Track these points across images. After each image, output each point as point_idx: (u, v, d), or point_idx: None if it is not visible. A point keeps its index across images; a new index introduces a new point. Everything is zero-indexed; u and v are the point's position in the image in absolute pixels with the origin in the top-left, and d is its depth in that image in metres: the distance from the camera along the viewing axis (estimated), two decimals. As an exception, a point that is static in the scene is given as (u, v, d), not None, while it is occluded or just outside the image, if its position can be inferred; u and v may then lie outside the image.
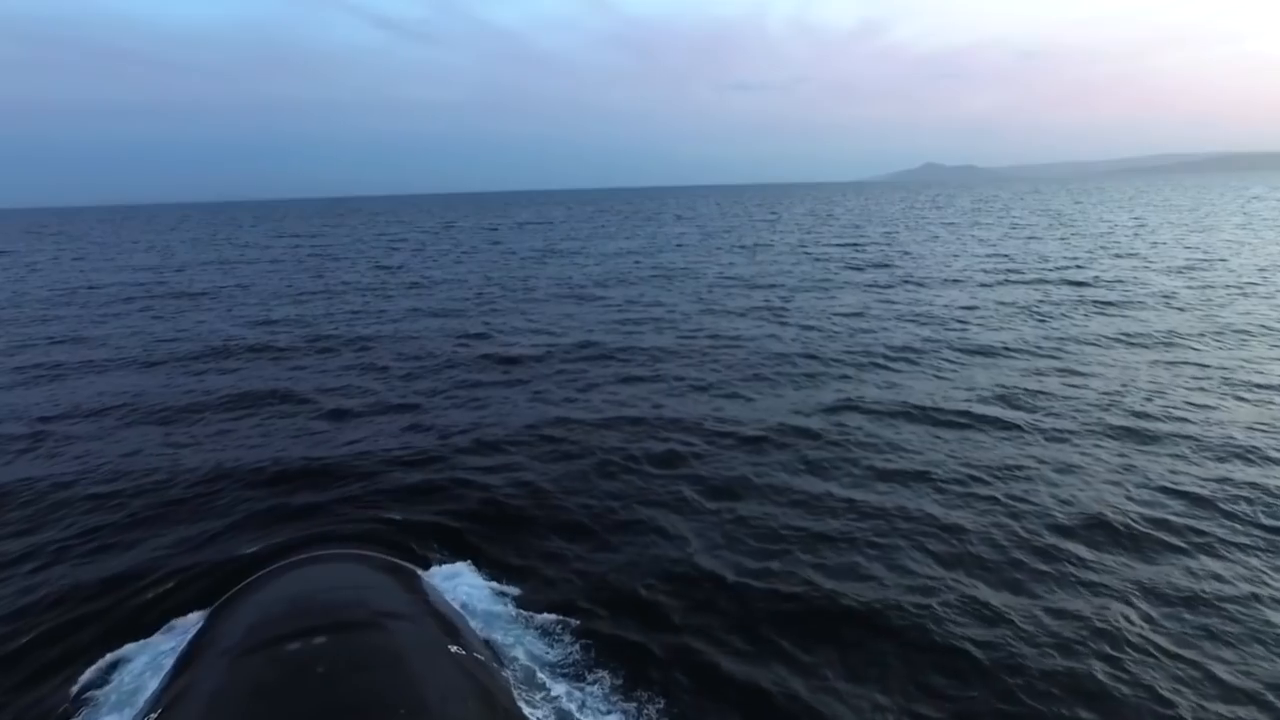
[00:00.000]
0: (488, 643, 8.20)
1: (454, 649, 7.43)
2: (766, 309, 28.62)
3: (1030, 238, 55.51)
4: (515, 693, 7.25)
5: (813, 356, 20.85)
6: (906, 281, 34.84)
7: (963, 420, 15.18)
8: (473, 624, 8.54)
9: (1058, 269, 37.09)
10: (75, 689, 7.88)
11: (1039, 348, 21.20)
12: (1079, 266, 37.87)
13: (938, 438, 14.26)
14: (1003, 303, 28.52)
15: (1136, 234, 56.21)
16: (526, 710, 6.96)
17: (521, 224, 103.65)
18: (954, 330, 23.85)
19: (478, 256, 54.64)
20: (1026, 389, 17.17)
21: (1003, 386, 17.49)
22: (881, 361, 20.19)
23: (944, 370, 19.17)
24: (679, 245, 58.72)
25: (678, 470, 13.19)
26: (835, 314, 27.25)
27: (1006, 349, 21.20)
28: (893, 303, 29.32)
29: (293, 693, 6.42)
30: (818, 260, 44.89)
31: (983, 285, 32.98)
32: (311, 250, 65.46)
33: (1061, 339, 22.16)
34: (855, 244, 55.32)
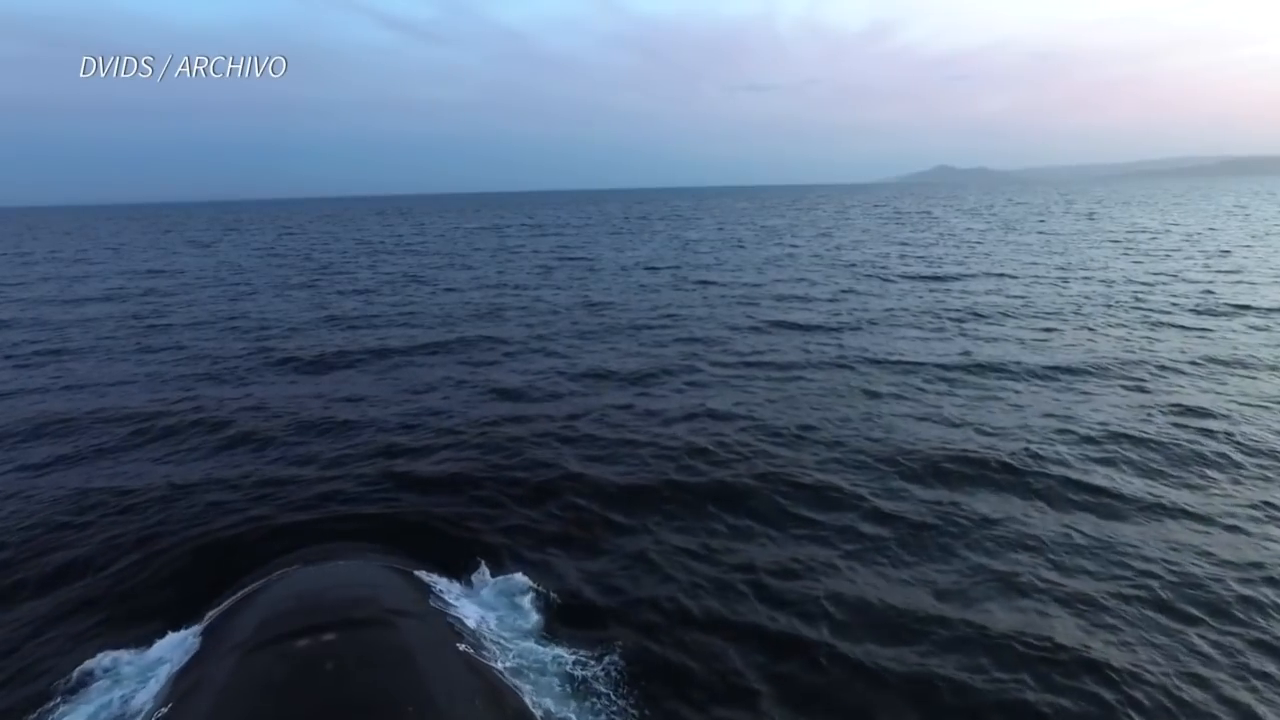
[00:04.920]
0: (495, 642, 8.14)
1: (462, 648, 7.44)
2: (829, 353, 23.36)
3: (1099, 244, 50.32)
4: (521, 692, 7.11)
5: (920, 435, 15.60)
6: (992, 314, 28.99)
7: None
8: (480, 624, 8.50)
9: (1157, 286, 31.97)
10: (79, 684, 7.62)
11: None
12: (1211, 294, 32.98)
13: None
14: (1148, 349, 22.56)
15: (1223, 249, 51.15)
16: (533, 709, 6.86)
17: (530, 225, 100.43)
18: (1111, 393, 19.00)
19: (485, 265, 50.50)
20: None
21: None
22: (1044, 466, 13.36)
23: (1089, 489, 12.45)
24: (701, 253, 54.11)
25: (723, 557, 10.74)
26: (926, 363, 20.78)
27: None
28: (988, 344, 24.03)
29: (301, 689, 6.37)
30: (869, 276, 39.81)
31: (1083, 317, 27.77)
32: (314, 254, 61.66)
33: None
34: (902, 255, 50.10)
